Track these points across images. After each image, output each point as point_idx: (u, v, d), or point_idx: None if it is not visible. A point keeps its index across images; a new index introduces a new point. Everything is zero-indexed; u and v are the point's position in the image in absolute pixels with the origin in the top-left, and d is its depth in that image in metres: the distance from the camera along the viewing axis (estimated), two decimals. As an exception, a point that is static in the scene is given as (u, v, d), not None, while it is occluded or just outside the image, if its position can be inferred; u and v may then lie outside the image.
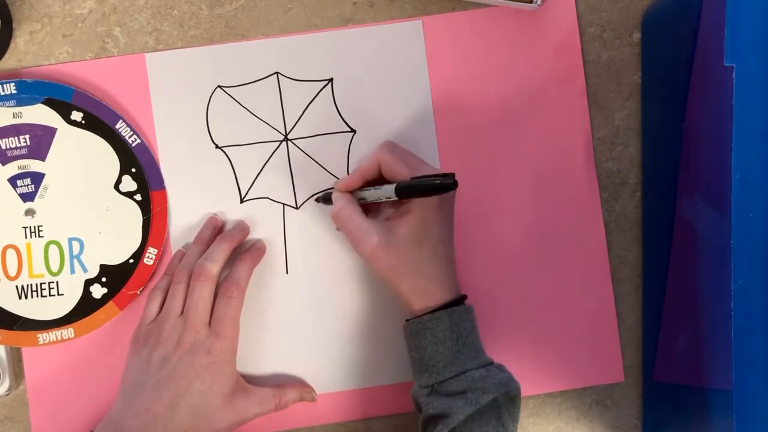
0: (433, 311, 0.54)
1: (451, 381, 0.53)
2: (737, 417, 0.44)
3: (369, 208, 0.59)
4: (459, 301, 0.56)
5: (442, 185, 0.52)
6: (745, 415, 0.44)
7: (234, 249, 0.60)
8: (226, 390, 0.57)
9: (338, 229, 0.59)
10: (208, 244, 0.60)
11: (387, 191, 0.55)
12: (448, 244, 0.56)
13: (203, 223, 0.62)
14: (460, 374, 0.53)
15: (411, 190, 0.54)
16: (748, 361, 0.45)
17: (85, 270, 0.61)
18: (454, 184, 0.52)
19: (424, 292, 0.55)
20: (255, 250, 0.61)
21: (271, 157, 0.63)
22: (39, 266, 0.61)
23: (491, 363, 0.55)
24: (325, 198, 0.61)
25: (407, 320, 0.56)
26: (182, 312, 0.57)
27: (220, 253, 0.59)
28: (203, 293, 0.57)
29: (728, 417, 0.45)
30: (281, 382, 0.61)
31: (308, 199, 0.63)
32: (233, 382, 0.58)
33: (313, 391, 0.62)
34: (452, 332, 0.54)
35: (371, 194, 0.57)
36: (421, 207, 0.55)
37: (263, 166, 0.63)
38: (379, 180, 0.58)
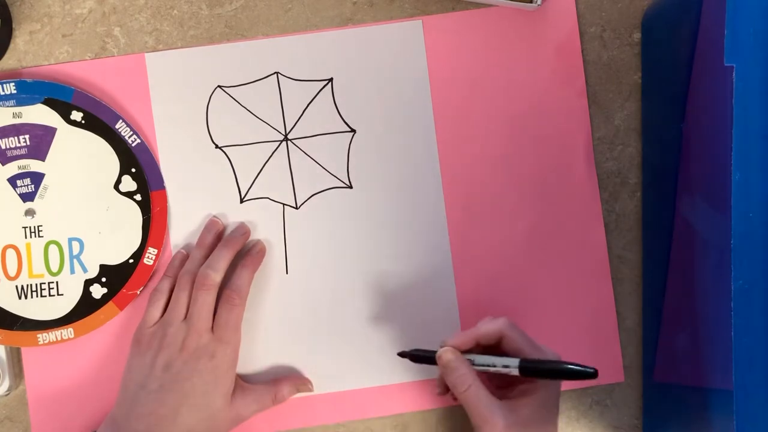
0: None
1: None
2: (737, 417, 0.44)
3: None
4: None
5: (583, 373, 0.51)
6: (745, 415, 0.44)
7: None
8: (227, 391, 0.57)
9: (446, 394, 0.57)
10: (210, 248, 0.60)
11: (506, 363, 0.53)
12: (557, 426, 0.55)
13: (204, 226, 0.62)
14: None
15: (543, 372, 0.53)
16: (748, 361, 0.44)
17: (85, 270, 0.61)
18: (595, 374, 0.51)
19: None
20: (255, 253, 0.61)
21: (271, 157, 0.63)
22: (39, 266, 0.61)
23: None
24: (419, 357, 0.58)
25: None
26: (185, 317, 0.58)
27: (222, 261, 0.59)
28: (206, 301, 0.57)
29: (728, 417, 0.45)
30: (276, 377, 0.62)
31: (308, 199, 0.63)
32: (233, 383, 0.58)
33: (310, 382, 0.62)
34: None
35: (486, 361, 0.54)
36: (542, 388, 0.54)
37: (263, 166, 0.63)
38: (489, 348, 0.56)
